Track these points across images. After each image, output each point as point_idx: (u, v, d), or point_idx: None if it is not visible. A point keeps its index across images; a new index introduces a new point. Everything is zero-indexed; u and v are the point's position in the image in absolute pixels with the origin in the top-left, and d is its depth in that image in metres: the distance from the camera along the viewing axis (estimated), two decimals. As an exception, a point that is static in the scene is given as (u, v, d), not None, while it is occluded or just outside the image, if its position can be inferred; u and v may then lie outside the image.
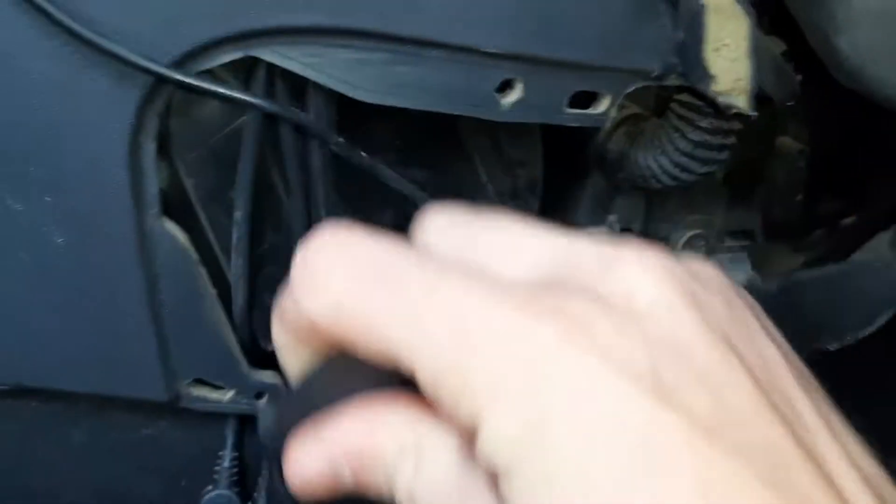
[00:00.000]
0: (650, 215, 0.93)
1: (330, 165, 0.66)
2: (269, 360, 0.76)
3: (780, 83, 0.64)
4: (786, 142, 0.98)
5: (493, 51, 0.62)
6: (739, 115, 0.77)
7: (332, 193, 0.66)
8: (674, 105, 0.78)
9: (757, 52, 0.62)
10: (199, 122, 0.64)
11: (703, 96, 0.68)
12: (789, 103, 0.66)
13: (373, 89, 0.60)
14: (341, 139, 0.64)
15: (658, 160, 0.80)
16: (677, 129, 0.78)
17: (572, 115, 0.69)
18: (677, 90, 0.77)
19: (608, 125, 0.82)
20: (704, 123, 0.76)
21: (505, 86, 0.66)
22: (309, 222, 0.68)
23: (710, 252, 0.98)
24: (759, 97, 0.68)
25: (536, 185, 0.85)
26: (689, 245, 0.96)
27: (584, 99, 0.70)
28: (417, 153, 0.72)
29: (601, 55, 0.65)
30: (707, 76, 0.62)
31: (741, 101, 0.63)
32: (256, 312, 0.73)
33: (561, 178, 0.91)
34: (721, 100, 0.63)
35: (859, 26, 0.53)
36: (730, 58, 0.61)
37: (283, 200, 0.68)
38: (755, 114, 0.65)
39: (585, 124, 0.70)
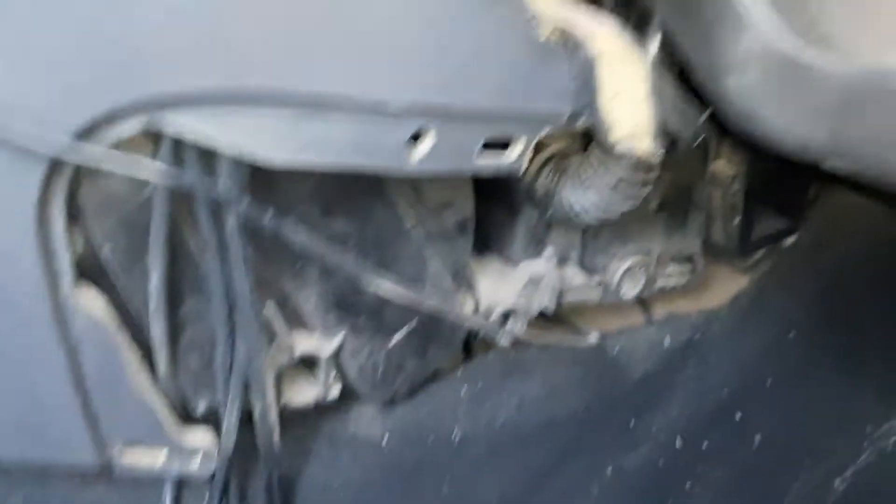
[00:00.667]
0: (586, 247, 0.93)
1: (244, 226, 0.66)
2: (202, 419, 0.76)
3: (684, 122, 0.65)
4: (720, 166, 0.99)
5: (401, 104, 0.62)
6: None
7: (248, 252, 0.66)
8: (595, 142, 0.79)
9: (658, 94, 0.62)
10: (110, 190, 0.64)
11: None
12: (696, 141, 0.66)
13: (277, 151, 0.60)
14: (248, 202, 0.64)
15: (583, 197, 0.80)
16: (600, 166, 0.78)
17: (485, 164, 0.69)
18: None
19: (526, 167, 0.82)
20: (634, 161, 0.77)
21: (416, 137, 0.66)
22: (227, 283, 0.67)
23: (651, 281, 0.99)
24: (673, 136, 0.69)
25: (467, 224, 0.85)
26: (629, 275, 0.96)
27: (499, 145, 0.71)
28: (340, 204, 0.72)
29: (508, 102, 0.65)
30: (604, 125, 0.63)
31: (643, 145, 0.63)
32: (183, 373, 0.72)
33: (495, 214, 0.92)
34: (620, 147, 0.63)
35: (747, 68, 0.54)
36: (629, 102, 0.61)
37: (199, 262, 0.68)
38: (659, 155, 0.66)
39: (499, 172, 0.70)
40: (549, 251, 0.92)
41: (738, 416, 1.02)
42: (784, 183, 1.02)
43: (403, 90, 0.61)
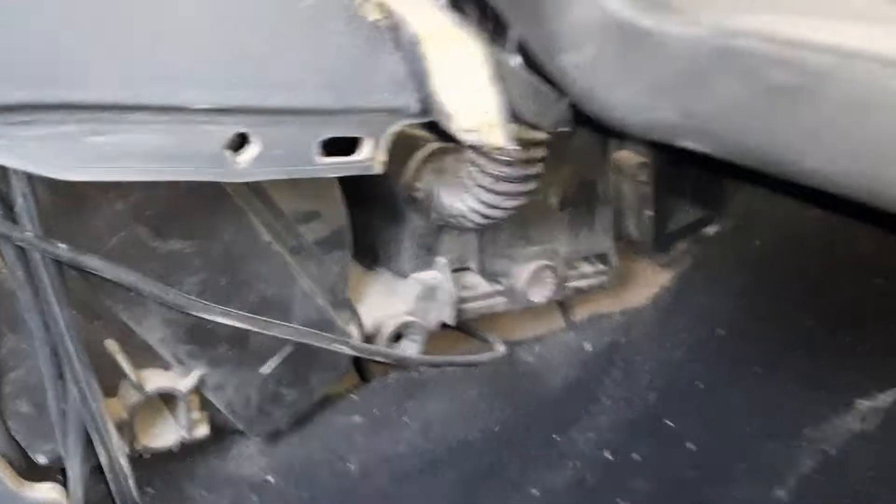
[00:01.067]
0: (484, 251, 0.86)
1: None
2: (49, 471, 0.68)
3: (543, 110, 0.57)
4: (624, 156, 0.92)
5: (207, 107, 0.55)
6: (538, 144, 0.71)
7: (62, 282, 0.59)
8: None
9: (507, 80, 0.55)
10: None
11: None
12: (561, 129, 0.59)
13: (68, 165, 0.53)
14: (36, 233, 0.57)
15: (463, 199, 0.73)
16: (475, 164, 0.71)
17: (329, 165, 0.62)
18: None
19: (408, 168, 0.75)
20: (503, 155, 0.70)
21: (241, 143, 0.59)
22: (44, 318, 0.60)
23: (562, 283, 0.92)
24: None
25: (341, 235, 0.77)
26: (536, 279, 0.89)
27: (347, 145, 0.64)
28: (175, 222, 0.65)
29: (338, 97, 0.58)
30: (445, 113, 0.55)
31: (494, 137, 0.56)
32: (15, 421, 0.65)
33: (378, 223, 0.85)
34: (469, 138, 0.56)
35: (582, 42, 0.47)
36: (468, 89, 0.54)
37: (13, 295, 0.60)
38: (515, 147, 0.58)
39: (349, 172, 0.63)
40: (441, 260, 0.85)
41: (667, 423, 0.95)
42: (695, 170, 0.95)
43: (205, 92, 0.54)
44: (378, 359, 0.76)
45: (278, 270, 0.73)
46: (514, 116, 0.57)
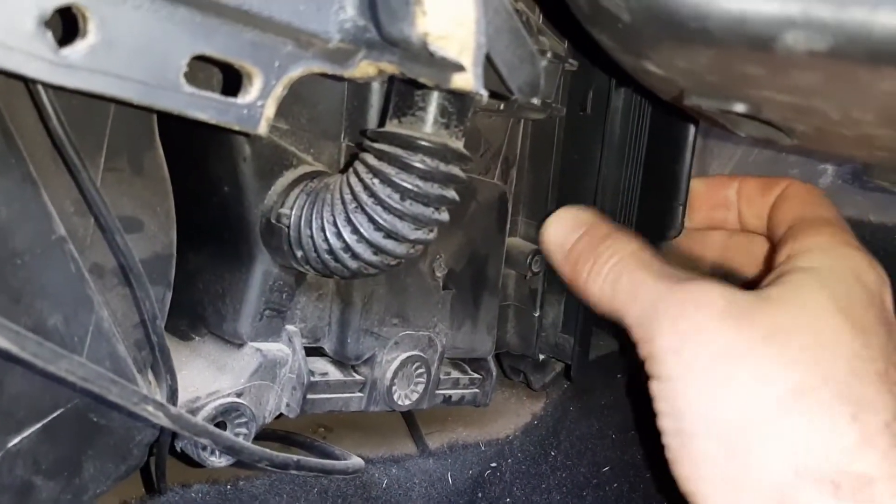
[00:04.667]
0: (348, 324, 0.65)
1: None
2: None
3: (521, 66, 0.42)
4: (516, 242, 0.77)
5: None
6: (461, 157, 0.54)
7: None
8: (372, 146, 0.54)
9: (488, 4, 0.39)
10: None
11: (415, 83, 0.44)
12: (532, 99, 0.44)
13: None
14: None
15: (350, 225, 0.54)
16: (377, 175, 0.53)
17: (198, 100, 0.41)
18: (373, 139, 0.54)
19: (262, 128, 0.55)
20: (416, 162, 0.53)
21: (71, 30, 0.38)
22: None
23: (434, 387, 0.72)
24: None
25: (166, 264, 0.55)
26: (404, 374, 0.69)
27: (231, 83, 0.44)
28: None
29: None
30: (411, 4, 0.38)
31: (464, 58, 0.39)
32: None
33: (214, 262, 0.62)
34: (432, 47, 0.39)
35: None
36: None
37: None
38: (484, 93, 0.42)
39: (223, 121, 0.42)
40: (292, 329, 0.63)
41: (543, 582, 0.75)
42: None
43: None
44: (202, 440, 0.51)
45: (69, 287, 0.48)
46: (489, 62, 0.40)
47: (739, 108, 0.41)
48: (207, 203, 0.60)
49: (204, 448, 0.57)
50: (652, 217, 0.71)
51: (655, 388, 0.56)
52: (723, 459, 0.53)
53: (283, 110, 0.58)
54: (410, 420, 0.81)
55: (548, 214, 0.74)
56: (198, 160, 0.59)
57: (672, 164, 0.69)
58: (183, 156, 0.57)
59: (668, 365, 0.55)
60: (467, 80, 0.40)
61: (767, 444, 0.51)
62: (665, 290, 0.57)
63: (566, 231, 0.66)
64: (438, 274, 0.70)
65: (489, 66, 0.42)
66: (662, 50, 0.37)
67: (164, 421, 0.47)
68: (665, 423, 0.55)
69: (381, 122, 0.56)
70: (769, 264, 0.68)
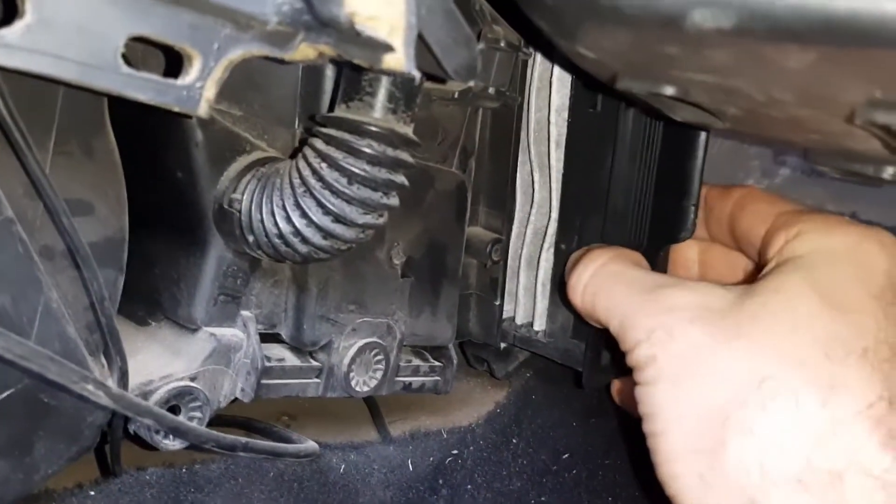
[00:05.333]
0: (303, 310, 0.66)
1: None
2: None
3: (456, 48, 0.43)
4: (474, 232, 0.78)
5: None
6: (409, 142, 0.55)
7: None
8: (320, 131, 0.55)
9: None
10: None
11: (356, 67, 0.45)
12: (467, 83, 0.45)
13: None
14: None
15: (299, 210, 0.55)
16: (326, 159, 0.54)
17: (135, 81, 0.42)
18: (321, 124, 0.55)
19: (202, 109, 0.55)
20: (364, 147, 0.53)
21: (11, 12, 0.39)
22: None
23: (393, 374, 0.73)
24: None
25: (117, 248, 0.55)
26: (362, 360, 0.70)
27: (173, 65, 0.45)
28: None
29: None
30: None
31: (394, 38, 0.40)
32: None
33: (169, 247, 0.63)
34: (360, 27, 0.40)
35: None
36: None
37: None
38: (416, 74, 0.43)
39: (162, 101, 0.43)
40: (247, 315, 0.64)
41: (502, 568, 0.75)
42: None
43: None
44: (145, 420, 0.52)
45: (17, 268, 0.49)
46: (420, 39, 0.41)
47: (668, 90, 0.42)
48: (161, 188, 0.61)
49: (156, 431, 0.58)
50: (663, 217, 0.69)
51: (637, 393, 0.56)
52: (692, 459, 0.52)
53: (236, 97, 0.59)
54: (373, 408, 0.81)
55: (508, 204, 0.76)
56: (151, 146, 0.60)
57: (684, 161, 0.66)
58: (136, 141, 0.58)
59: (646, 372, 0.55)
60: (399, 60, 0.41)
61: (733, 441, 0.50)
62: (639, 302, 0.57)
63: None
64: (396, 262, 0.70)
65: (423, 47, 0.43)
66: (586, 31, 0.38)
67: (104, 400, 0.48)
68: (645, 426, 0.56)
69: (332, 108, 0.56)
70: (749, 273, 0.67)
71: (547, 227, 0.75)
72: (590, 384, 0.74)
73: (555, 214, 0.74)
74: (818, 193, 0.87)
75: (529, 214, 0.76)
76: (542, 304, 0.77)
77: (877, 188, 0.78)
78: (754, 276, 0.58)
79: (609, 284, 0.61)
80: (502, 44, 0.65)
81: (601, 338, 0.71)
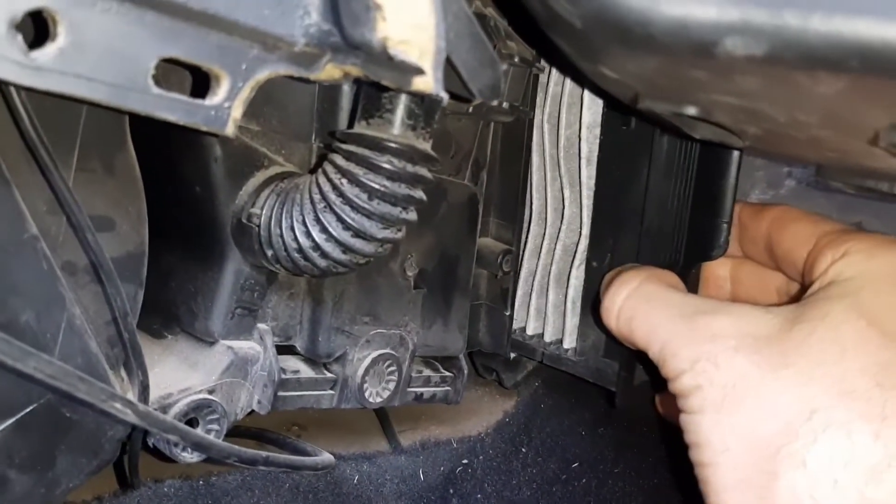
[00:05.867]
0: (318, 323, 0.66)
1: None
2: None
3: (481, 69, 0.44)
4: (485, 243, 0.79)
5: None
6: (427, 159, 0.56)
7: None
8: (340, 147, 0.55)
9: (447, 6, 0.41)
10: None
11: (380, 86, 0.45)
12: (492, 102, 0.45)
13: None
14: None
15: (321, 223, 0.55)
16: (346, 175, 0.54)
17: (166, 101, 0.42)
18: (341, 140, 0.55)
19: (230, 129, 0.55)
20: (384, 163, 0.54)
21: (42, 33, 0.39)
22: None
23: (405, 384, 0.73)
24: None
25: (137, 263, 0.56)
26: (375, 372, 0.70)
27: (200, 85, 0.45)
28: None
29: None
30: (371, 9, 0.39)
31: (424, 61, 0.41)
32: None
33: (187, 263, 0.63)
34: (392, 51, 0.40)
35: None
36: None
37: None
38: (445, 96, 0.43)
39: (191, 121, 0.44)
40: (263, 327, 0.64)
41: (513, 578, 0.76)
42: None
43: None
44: (170, 436, 0.52)
45: (42, 285, 0.49)
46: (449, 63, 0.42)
47: (691, 111, 0.43)
48: (180, 203, 0.61)
49: (176, 444, 0.58)
50: (697, 235, 0.68)
51: (683, 421, 0.55)
52: (744, 491, 0.51)
53: (254, 112, 0.60)
54: (384, 418, 0.82)
55: (518, 215, 0.76)
56: (170, 161, 0.60)
57: (717, 179, 0.66)
58: (156, 157, 0.58)
59: (691, 400, 0.54)
60: (427, 82, 0.42)
61: (785, 474, 0.49)
62: (680, 329, 0.56)
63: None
64: (409, 273, 0.71)
65: (450, 69, 0.43)
66: (614, 55, 0.39)
67: (132, 418, 0.49)
68: (692, 455, 0.55)
69: (351, 124, 0.57)
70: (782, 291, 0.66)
71: (578, 244, 0.74)
72: (624, 405, 0.73)
73: (585, 231, 0.74)
74: (823, 204, 0.88)
75: (559, 231, 0.76)
76: (572, 321, 0.76)
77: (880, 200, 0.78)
78: (791, 295, 0.57)
79: (646, 308, 0.60)
80: (516, 59, 0.65)
81: (634, 358, 0.71)
